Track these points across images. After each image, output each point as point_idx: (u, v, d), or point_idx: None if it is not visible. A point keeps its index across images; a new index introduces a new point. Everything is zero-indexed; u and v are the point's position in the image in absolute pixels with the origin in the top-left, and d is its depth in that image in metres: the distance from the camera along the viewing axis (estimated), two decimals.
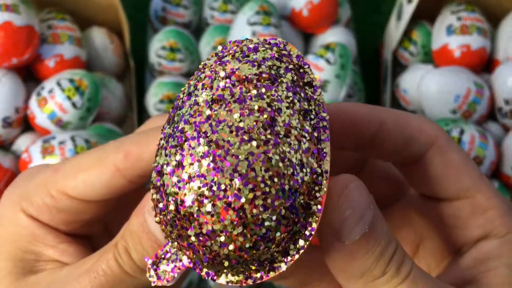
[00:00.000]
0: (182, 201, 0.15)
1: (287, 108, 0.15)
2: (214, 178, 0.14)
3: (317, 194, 0.15)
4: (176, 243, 0.16)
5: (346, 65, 0.45)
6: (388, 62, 0.52)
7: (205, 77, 0.16)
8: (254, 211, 0.14)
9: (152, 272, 0.17)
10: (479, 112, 0.45)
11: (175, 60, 0.51)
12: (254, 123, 0.15)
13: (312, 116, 0.16)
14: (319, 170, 0.15)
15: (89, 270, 0.19)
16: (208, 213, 0.14)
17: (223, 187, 0.14)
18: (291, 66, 0.16)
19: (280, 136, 0.15)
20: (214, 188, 0.14)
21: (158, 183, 0.15)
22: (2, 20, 0.43)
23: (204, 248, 0.15)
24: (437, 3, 0.51)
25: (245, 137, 0.15)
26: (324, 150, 0.16)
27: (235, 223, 0.14)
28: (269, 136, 0.15)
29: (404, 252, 0.17)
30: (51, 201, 0.20)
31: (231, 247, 0.15)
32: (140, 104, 0.53)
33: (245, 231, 0.15)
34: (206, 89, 0.16)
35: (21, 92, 0.45)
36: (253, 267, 0.15)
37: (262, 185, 0.14)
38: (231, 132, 0.15)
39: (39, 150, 0.42)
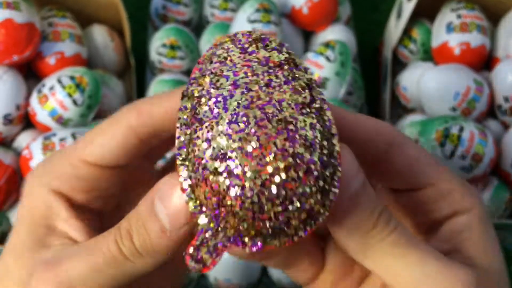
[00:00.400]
0: (272, 175, 0.16)
1: (310, 84, 0.18)
2: (292, 150, 0.17)
3: (334, 153, 0.18)
4: (244, 222, 0.17)
5: (346, 62, 0.45)
6: (388, 60, 0.52)
7: (242, 66, 0.18)
8: (322, 171, 0.17)
9: (194, 262, 0.18)
10: (478, 109, 0.45)
11: (175, 57, 0.51)
12: (304, 98, 0.18)
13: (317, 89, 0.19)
14: (330, 134, 0.18)
15: (90, 249, 0.20)
16: (293, 179, 0.17)
17: (301, 156, 0.17)
18: (291, 52, 0.19)
19: (317, 108, 0.18)
20: (294, 157, 0.17)
21: (226, 169, 0.17)
22: (3, 17, 0.43)
23: (285, 213, 0.17)
24: (436, 1, 0.51)
25: (304, 111, 0.17)
26: (330, 118, 0.18)
27: (312, 183, 0.17)
28: (314, 110, 0.18)
29: (390, 211, 0.20)
30: (71, 170, 0.22)
31: (307, 206, 0.17)
32: None
33: (318, 188, 0.17)
34: (252, 76, 0.18)
35: (22, 89, 0.45)
36: (302, 224, 0.18)
37: (323, 150, 0.17)
38: (292, 109, 0.17)
39: (40, 147, 0.42)
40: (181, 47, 0.51)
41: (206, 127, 0.17)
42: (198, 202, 0.18)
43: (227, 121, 0.17)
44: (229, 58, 0.18)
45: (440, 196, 0.23)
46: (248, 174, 0.16)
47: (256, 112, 0.17)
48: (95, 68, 0.50)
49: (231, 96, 0.17)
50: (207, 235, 0.18)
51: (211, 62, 0.19)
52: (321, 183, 0.17)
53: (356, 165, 0.19)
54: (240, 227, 0.17)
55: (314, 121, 0.17)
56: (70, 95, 0.44)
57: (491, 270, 0.22)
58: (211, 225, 0.17)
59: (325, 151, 0.17)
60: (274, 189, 0.16)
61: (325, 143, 0.17)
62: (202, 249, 0.18)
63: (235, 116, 0.17)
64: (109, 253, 0.20)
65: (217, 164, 0.17)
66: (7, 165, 0.42)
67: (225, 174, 0.17)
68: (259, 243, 0.17)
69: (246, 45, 0.18)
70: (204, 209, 0.17)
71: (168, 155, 0.27)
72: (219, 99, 0.17)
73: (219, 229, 0.17)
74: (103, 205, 0.23)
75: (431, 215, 0.23)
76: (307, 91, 0.18)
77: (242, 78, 0.18)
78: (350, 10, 0.56)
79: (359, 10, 0.62)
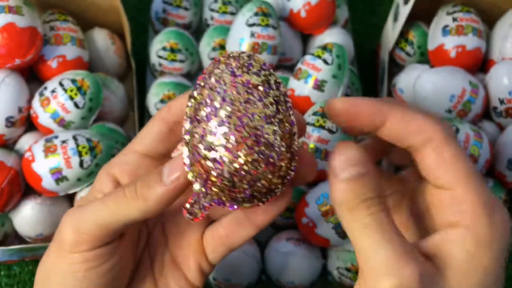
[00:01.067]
0: (242, 164, 0.24)
1: (277, 99, 0.25)
2: (257, 148, 0.24)
3: (293, 148, 0.25)
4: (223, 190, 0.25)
5: (343, 65, 0.46)
6: (385, 63, 0.53)
7: (231, 86, 0.25)
8: (279, 163, 0.25)
9: (188, 214, 0.26)
10: (474, 111, 0.46)
11: (175, 60, 0.52)
12: (270, 112, 0.25)
13: (284, 101, 0.26)
14: (290, 134, 0.25)
15: (105, 196, 0.27)
16: (256, 168, 0.24)
17: (263, 152, 0.24)
18: (268, 73, 0.26)
19: (280, 118, 0.25)
20: (258, 154, 0.24)
21: (213, 156, 0.24)
22: (5, 22, 0.43)
23: (250, 189, 0.25)
24: (433, 4, 0.52)
25: (269, 121, 0.24)
26: (292, 120, 0.25)
27: (270, 171, 0.25)
28: (277, 120, 0.25)
29: (378, 201, 0.24)
30: (123, 158, 0.29)
31: (266, 185, 0.25)
32: (141, 104, 0.53)
33: (274, 175, 0.25)
34: (236, 94, 0.25)
35: (24, 92, 0.46)
36: (263, 196, 0.25)
37: (281, 148, 0.25)
38: (261, 119, 0.24)
39: (42, 149, 0.43)
40: (181, 50, 0.52)
41: (203, 126, 0.25)
42: (194, 174, 0.25)
43: (216, 124, 0.24)
44: (222, 78, 0.25)
45: (453, 202, 0.25)
46: (226, 162, 0.24)
47: (236, 121, 0.24)
48: (96, 71, 0.51)
49: (221, 107, 0.24)
50: (200, 196, 0.25)
51: (210, 78, 0.25)
52: (277, 171, 0.25)
53: (345, 163, 0.25)
54: (221, 195, 0.25)
55: (276, 128, 0.25)
56: (71, 98, 0.45)
57: None
58: (202, 189, 0.25)
59: (282, 149, 0.25)
60: (243, 173, 0.24)
61: (283, 143, 0.25)
62: (195, 205, 0.26)
63: (221, 122, 0.24)
64: (116, 195, 0.27)
65: (207, 152, 0.24)
66: (9, 167, 0.43)
67: (212, 160, 0.24)
68: (235, 206, 0.26)
69: (235, 70, 0.25)
70: (198, 179, 0.25)
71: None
72: (212, 108, 0.25)
73: (207, 194, 0.25)
74: None
75: (440, 216, 0.25)
76: (274, 106, 0.25)
77: (229, 95, 0.25)
78: (348, 13, 0.57)
79: (356, 13, 0.63)
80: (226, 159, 0.24)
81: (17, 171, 0.43)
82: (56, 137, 0.43)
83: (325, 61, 0.46)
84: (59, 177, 0.42)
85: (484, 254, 0.23)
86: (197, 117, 0.25)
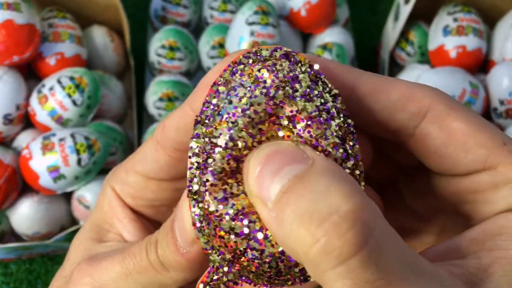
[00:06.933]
0: None
1: (343, 135, 0.16)
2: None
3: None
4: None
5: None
6: (386, 62, 0.53)
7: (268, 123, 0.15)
8: None
9: None
10: None
11: (174, 58, 0.51)
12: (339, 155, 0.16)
13: (350, 131, 0.17)
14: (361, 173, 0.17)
15: (125, 253, 0.20)
16: None
17: None
18: (321, 88, 0.16)
19: (352, 165, 0.16)
20: None
21: (244, 231, 0.15)
22: (3, 19, 0.43)
23: (305, 276, 0.16)
24: (433, 4, 0.52)
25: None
26: (358, 155, 0.16)
27: None
28: (349, 168, 0.16)
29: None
30: (124, 175, 0.23)
31: None
32: (140, 102, 0.53)
33: None
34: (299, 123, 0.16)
35: (22, 90, 0.45)
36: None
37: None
38: None
39: (40, 146, 0.42)
40: (180, 48, 0.51)
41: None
42: (209, 244, 0.16)
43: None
44: (252, 108, 0.15)
45: (497, 184, 0.17)
46: (269, 239, 0.15)
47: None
48: (94, 68, 0.51)
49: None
50: (219, 272, 0.17)
51: (231, 102, 0.16)
52: None
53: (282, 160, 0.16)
54: (255, 280, 0.16)
55: None
56: (69, 95, 0.44)
57: None
58: (223, 263, 0.16)
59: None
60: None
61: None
62: (212, 286, 0.17)
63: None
64: (139, 259, 0.20)
65: (233, 224, 0.15)
66: (7, 165, 0.43)
67: (242, 236, 0.15)
68: (269, 286, 0.16)
69: (272, 91, 0.15)
70: (216, 252, 0.16)
71: None
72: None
73: (232, 271, 0.16)
74: (155, 215, 0.24)
75: (483, 207, 0.17)
76: (341, 149, 0.16)
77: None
78: (348, 12, 0.56)
79: (357, 12, 0.62)
80: (268, 235, 0.15)
81: (14, 168, 0.43)
82: (54, 134, 0.43)
83: None
84: (56, 175, 0.42)
85: None
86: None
